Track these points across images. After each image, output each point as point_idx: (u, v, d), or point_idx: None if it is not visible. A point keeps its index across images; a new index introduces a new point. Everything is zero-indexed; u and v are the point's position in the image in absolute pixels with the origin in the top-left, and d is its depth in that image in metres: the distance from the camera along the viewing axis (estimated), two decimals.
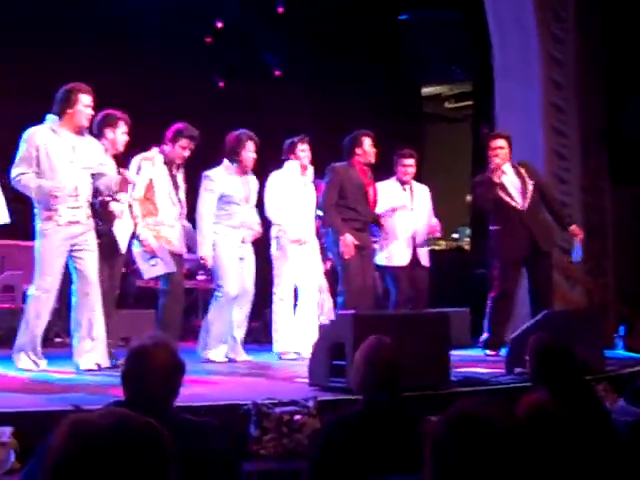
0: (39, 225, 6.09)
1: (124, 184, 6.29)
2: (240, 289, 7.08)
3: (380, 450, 3.32)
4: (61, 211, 6.03)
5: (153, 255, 6.63)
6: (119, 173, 6.45)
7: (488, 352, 7.65)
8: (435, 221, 8.15)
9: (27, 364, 6.09)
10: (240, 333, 7.18)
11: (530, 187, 7.65)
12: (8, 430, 4.08)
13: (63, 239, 6.07)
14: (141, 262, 6.70)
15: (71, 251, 6.13)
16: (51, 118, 6.10)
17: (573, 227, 7.77)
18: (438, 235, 8.47)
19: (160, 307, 6.83)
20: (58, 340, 8.18)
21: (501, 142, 7.71)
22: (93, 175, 6.23)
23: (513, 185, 7.64)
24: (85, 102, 6.13)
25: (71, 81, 6.24)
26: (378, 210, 7.75)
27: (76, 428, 1.76)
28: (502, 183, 7.58)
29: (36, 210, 6.09)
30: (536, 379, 3.76)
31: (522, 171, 7.71)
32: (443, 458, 1.93)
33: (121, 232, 6.53)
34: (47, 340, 6.72)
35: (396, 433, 3.39)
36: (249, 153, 7.09)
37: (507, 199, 7.60)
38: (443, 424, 1.99)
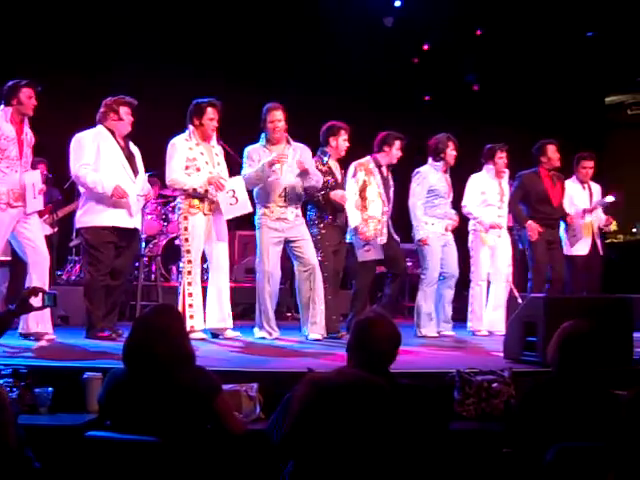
0: (257, 219, 6.39)
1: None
2: (447, 272, 7.08)
3: (570, 417, 3.24)
4: (272, 208, 6.27)
5: (367, 242, 6.73)
6: (341, 175, 6.67)
7: None
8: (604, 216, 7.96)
9: (263, 334, 6.37)
10: (450, 309, 7.16)
11: None
12: (255, 386, 4.23)
13: (274, 230, 6.31)
14: (357, 248, 6.81)
15: (288, 241, 6.36)
16: (262, 136, 6.42)
17: None
18: (609, 228, 8.10)
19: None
20: (289, 314, 8.44)
21: None
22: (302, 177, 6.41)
23: None
24: (272, 117, 6.31)
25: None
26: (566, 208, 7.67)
27: (317, 383, 1.85)
28: None
29: (256, 208, 6.38)
30: None
31: None
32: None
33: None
34: (280, 314, 6.96)
35: (584, 404, 3.30)
36: (452, 152, 7.06)
37: None
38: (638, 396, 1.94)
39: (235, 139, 6.68)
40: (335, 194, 6.60)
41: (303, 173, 6.35)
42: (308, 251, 6.39)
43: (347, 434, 1.82)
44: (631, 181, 12.04)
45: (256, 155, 6.36)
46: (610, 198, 7.92)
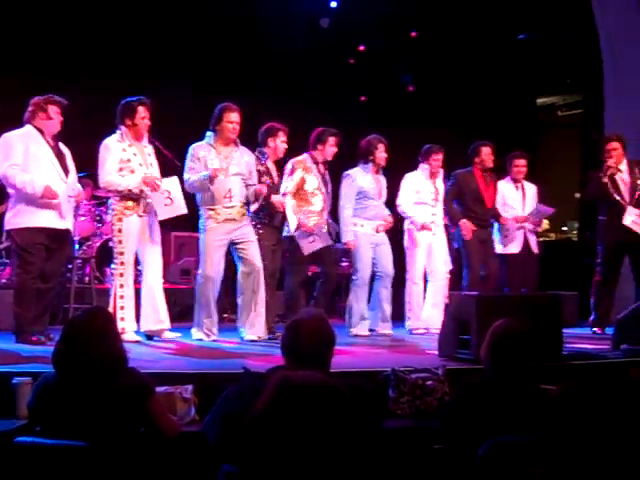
0: (202, 222, 6.33)
1: (257, 195, 6.44)
2: (382, 272, 7.12)
3: (502, 414, 3.29)
4: (219, 210, 6.23)
5: (310, 233, 6.74)
6: (277, 177, 6.69)
7: (595, 330, 7.51)
8: None
9: (201, 335, 6.33)
10: (388, 308, 7.20)
11: (639, 186, 7.43)
12: (190, 388, 4.21)
13: (221, 233, 6.26)
14: (301, 241, 6.81)
15: (233, 243, 6.31)
16: (209, 135, 6.36)
17: None
18: (539, 228, 8.22)
19: (319, 291, 6.98)
20: (225, 315, 8.39)
21: (615, 144, 7.46)
22: (247, 183, 6.41)
23: (624, 182, 7.43)
24: (230, 119, 6.28)
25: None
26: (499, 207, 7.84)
27: (285, 382, 1.87)
28: (612, 180, 7.38)
29: (200, 211, 6.33)
30: None
31: (636, 170, 7.48)
32: (567, 420, 1.93)
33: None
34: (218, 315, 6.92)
35: (517, 400, 3.36)
36: (381, 154, 7.11)
37: (615, 195, 7.39)
38: (567, 391, 1.99)
39: (177, 140, 6.63)
40: (275, 198, 6.61)
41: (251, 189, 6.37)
42: (253, 253, 6.37)
43: (303, 436, 1.83)
44: (562, 180, 12.32)
45: (202, 152, 6.30)
46: (547, 212, 8.06)
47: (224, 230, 6.30)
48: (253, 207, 6.53)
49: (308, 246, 6.77)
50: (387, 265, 7.17)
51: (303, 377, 1.93)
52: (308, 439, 1.81)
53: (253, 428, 1.87)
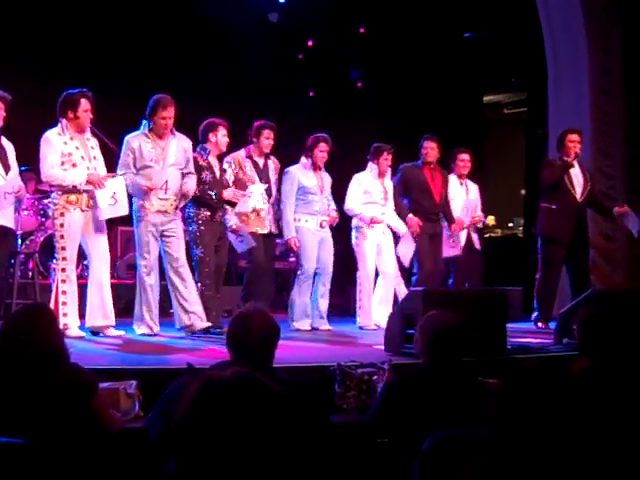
0: (135, 212, 6.27)
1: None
2: (320, 268, 7.13)
3: (437, 407, 3.31)
4: (153, 201, 6.18)
5: (238, 234, 6.72)
6: (223, 171, 6.67)
7: (539, 325, 7.59)
8: (480, 214, 8.17)
9: (144, 330, 6.25)
10: (324, 305, 7.21)
11: (589, 187, 7.53)
12: (134, 383, 4.17)
13: (154, 224, 6.20)
14: (232, 240, 6.80)
15: (161, 235, 6.27)
16: (144, 124, 6.29)
17: (616, 208, 7.51)
18: (480, 225, 8.32)
19: (244, 282, 7.00)
20: (171, 310, 8.31)
21: (576, 136, 7.51)
22: (183, 172, 6.34)
23: (577, 178, 7.52)
24: (163, 115, 6.19)
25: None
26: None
27: (209, 382, 1.83)
28: (570, 168, 7.44)
29: (133, 200, 6.26)
30: (582, 348, 3.66)
31: (586, 170, 7.59)
32: (507, 412, 1.94)
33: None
34: (162, 310, 6.85)
35: (452, 393, 3.39)
36: (320, 153, 7.11)
37: (569, 185, 7.46)
38: (507, 384, 2.00)
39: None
40: (226, 194, 6.57)
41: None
42: (177, 247, 6.30)
43: (234, 434, 1.80)
44: (508, 177, 12.48)
45: (137, 143, 6.22)
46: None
47: (156, 221, 6.23)
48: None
49: (237, 245, 6.77)
50: (327, 262, 7.19)
51: (226, 375, 1.90)
52: (237, 438, 1.79)
53: (180, 431, 1.83)
